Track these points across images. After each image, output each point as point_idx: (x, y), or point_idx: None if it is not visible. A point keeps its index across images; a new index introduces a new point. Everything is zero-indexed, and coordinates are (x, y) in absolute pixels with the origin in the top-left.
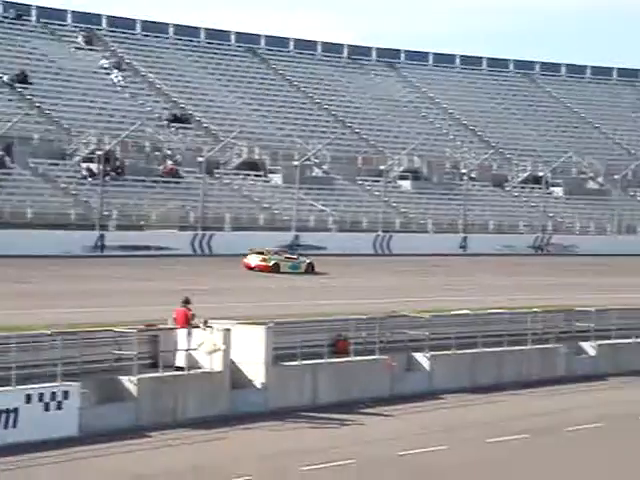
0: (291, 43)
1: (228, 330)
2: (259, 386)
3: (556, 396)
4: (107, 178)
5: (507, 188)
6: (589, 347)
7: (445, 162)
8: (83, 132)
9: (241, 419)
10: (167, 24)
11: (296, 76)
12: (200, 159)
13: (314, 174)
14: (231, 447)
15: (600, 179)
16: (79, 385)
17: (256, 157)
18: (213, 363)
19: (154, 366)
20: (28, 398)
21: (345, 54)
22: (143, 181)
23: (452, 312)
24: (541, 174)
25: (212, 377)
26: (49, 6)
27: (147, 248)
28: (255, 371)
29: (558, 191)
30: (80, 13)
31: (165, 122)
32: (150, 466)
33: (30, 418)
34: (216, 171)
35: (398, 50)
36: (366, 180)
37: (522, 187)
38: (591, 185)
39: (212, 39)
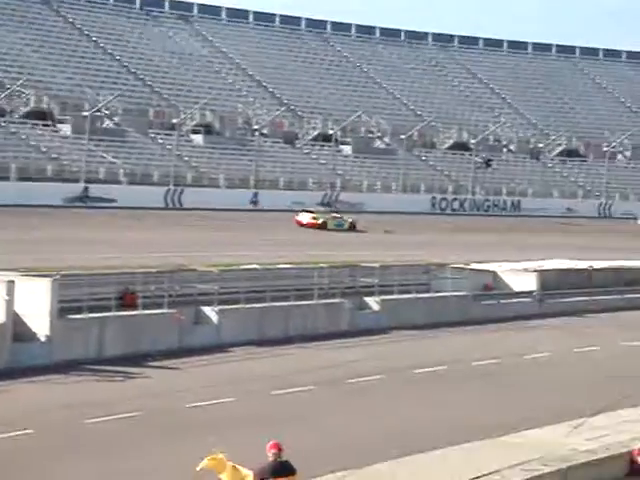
0: None
1: (12, 282)
2: (43, 339)
3: (341, 349)
4: None
5: (298, 145)
6: (373, 302)
7: (237, 117)
8: None
9: (24, 372)
10: None
11: (87, 25)
12: None
13: (105, 125)
14: (12, 401)
15: (387, 139)
16: None
17: (44, 106)
18: None
19: None
20: None
21: (137, 5)
22: None
23: (241, 267)
24: (331, 132)
25: None
26: None
27: None
28: (40, 324)
29: (347, 149)
30: None
31: None
32: None
33: None
34: (1, 119)
35: (191, 3)
36: (158, 133)
37: (312, 145)
38: (378, 144)
39: None
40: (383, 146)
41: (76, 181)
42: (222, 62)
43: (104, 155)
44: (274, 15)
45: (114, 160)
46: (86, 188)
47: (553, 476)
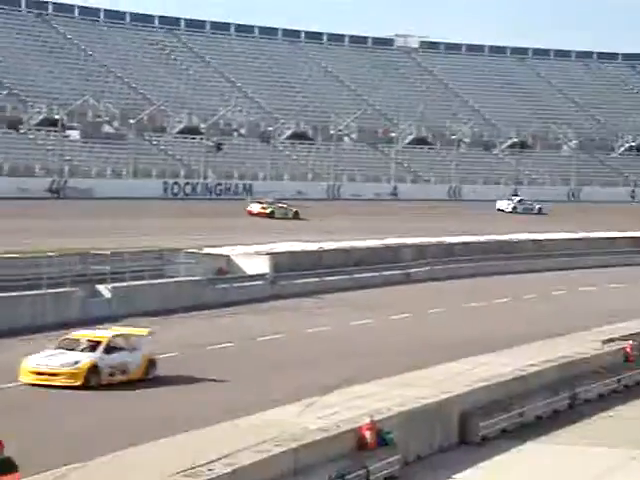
0: None
1: None
2: None
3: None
4: None
5: (22, 131)
6: (104, 290)
7: None
8: None
9: None
10: None
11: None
12: None
13: None
14: None
15: (116, 123)
16: None
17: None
18: None
19: None
20: None
21: None
22: None
23: None
24: (57, 117)
25: None
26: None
27: None
28: None
29: (75, 134)
30: None
31: None
32: None
33: None
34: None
35: None
36: None
37: (38, 130)
38: (107, 129)
39: None
40: (112, 131)
41: None
42: None
43: None
44: None
45: None
46: None
47: (285, 455)
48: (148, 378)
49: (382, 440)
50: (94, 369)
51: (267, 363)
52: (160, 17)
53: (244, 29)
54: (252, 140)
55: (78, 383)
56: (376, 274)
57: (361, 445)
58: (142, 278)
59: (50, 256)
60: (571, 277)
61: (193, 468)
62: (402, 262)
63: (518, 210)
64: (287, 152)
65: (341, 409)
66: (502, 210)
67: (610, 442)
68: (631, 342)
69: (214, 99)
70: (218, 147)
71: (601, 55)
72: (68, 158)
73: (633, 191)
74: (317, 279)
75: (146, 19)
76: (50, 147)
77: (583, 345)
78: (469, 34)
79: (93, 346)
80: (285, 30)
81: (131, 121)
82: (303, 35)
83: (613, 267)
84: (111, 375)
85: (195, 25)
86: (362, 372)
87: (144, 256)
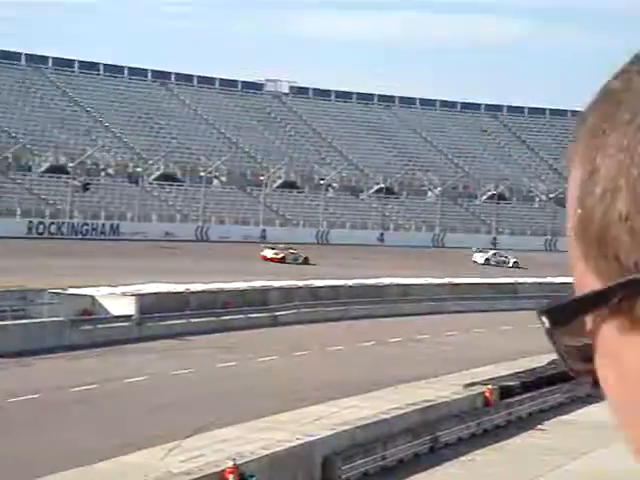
0: None
1: None
2: None
3: None
4: None
5: None
6: None
7: None
8: None
9: None
10: None
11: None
12: None
13: None
14: None
15: None
16: None
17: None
18: None
19: None
20: None
21: None
22: None
23: None
24: None
25: None
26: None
27: None
28: None
29: None
30: None
31: None
32: None
33: None
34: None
35: None
36: None
37: None
38: None
39: None
40: None
41: None
42: None
43: None
44: None
45: None
46: None
47: None
48: None
49: None
50: None
51: (130, 406)
52: (27, 55)
53: (113, 69)
54: (120, 180)
55: None
56: (243, 316)
57: None
58: (5, 318)
59: None
60: (435, 321)
61: None
62: (270, 305)
63: (491, 262)
64: (155, 193)
65: (204, 452)
66: (476, 262)
67: None
68: (490, 387)
69: (81, 138)
70: (85, 187)
71: (464, 105)
72: None
73: (495, 238)
74: (184, 320)
75: (13, 56)
76: None
77: (445, 389)
78: (338, 81)
79: None
80: (155, 71)
81: None
82: (173, 77)
83: (476, 312)
84: None
85: (63, 64)
86: (226, 414)
87: (6, 295)
